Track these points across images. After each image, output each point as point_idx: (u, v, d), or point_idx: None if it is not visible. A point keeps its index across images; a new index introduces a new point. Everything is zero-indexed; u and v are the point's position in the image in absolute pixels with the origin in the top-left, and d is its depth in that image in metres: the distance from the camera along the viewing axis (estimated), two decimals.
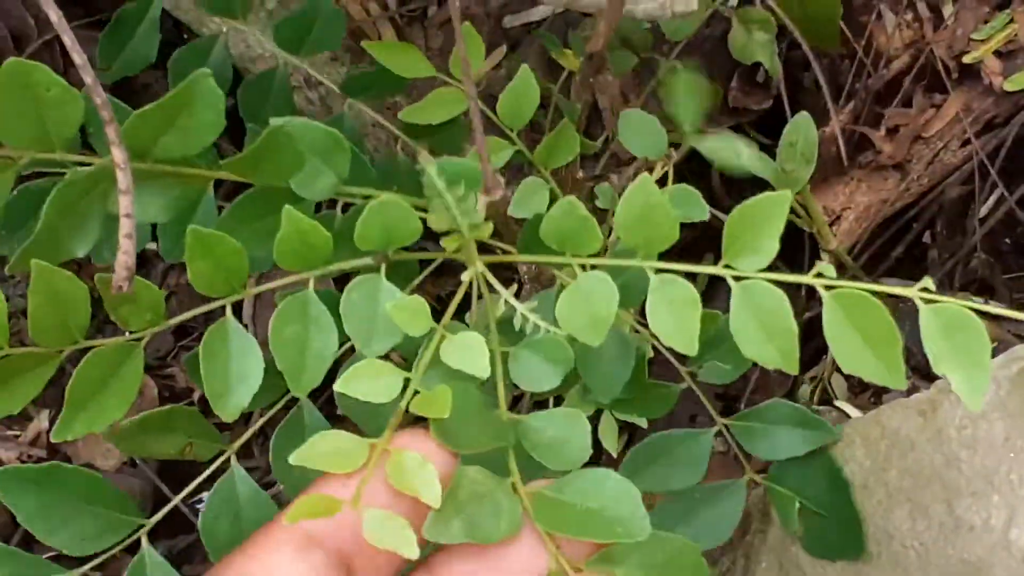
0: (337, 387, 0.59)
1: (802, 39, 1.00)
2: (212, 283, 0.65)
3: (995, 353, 0.84)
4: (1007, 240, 1.08)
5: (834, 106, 1.04)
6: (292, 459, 0.54)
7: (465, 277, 0.69)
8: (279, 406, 0.77)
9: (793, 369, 0.62)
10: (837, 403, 1.02)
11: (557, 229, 0.66)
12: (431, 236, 0.67)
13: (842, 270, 1.06)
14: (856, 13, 1.09)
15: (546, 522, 0.56)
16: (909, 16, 1.08)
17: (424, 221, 0.65)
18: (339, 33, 0.86)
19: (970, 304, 0.58)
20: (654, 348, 0.82)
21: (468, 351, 0.62)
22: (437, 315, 0.65)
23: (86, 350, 0.64)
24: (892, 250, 1.09)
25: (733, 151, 0.94)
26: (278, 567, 0.47)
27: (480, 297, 0.69)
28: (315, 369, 0.66)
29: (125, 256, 0.63)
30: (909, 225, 1.08)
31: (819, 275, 0.60)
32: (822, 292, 0.60)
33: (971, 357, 0.57)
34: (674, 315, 0.63)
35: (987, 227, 1.06)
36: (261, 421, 0.76)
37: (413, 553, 0.51)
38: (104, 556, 0.68)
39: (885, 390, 1.00)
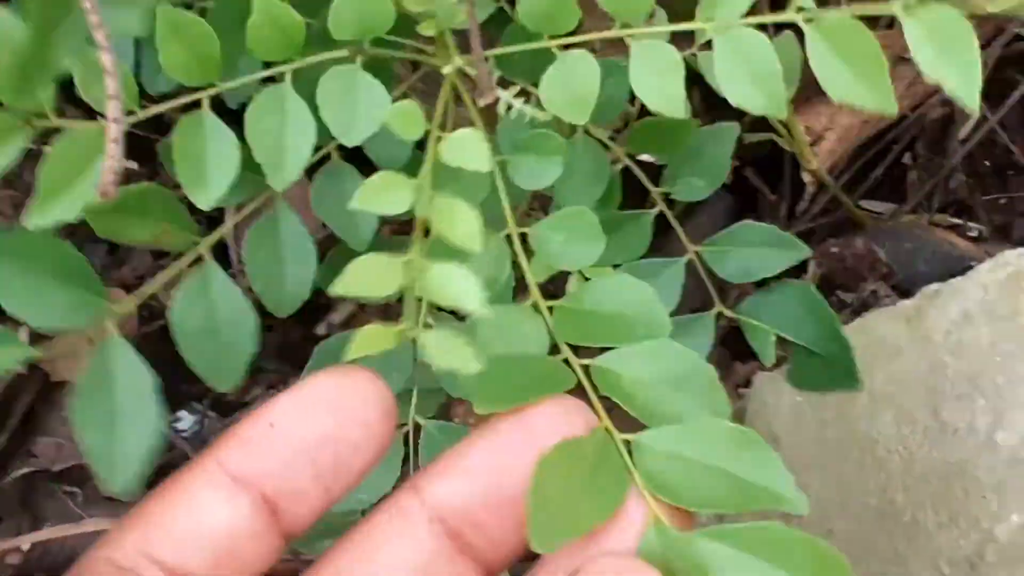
0: (356, 203, 0.58)
1: None
2: (184, 68, 0.64)
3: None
4: (986, 162, 1.08)
5: None
6: (337, 288, 0.53)
7: (446, 71, 0.69)
8: (253, 206, 0.75)
9: (781, 112, 0.61)
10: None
11: (533, 8, 0.65)
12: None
13: (823, 189, 1.06)
14: None
15: (569, 334, 0.57)
16: None
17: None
18: None
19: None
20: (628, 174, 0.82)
21: (467, 146, 0.61)
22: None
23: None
24: (872, 171, 1.08)
25: None
26: (203, 512, 0.44)
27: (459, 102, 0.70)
28: (294, 163, 0.65)
29: (111, 160, 0.62)
30: (890, 146, 1.08)
31: (800, 9, 0.60)
32: (804, 26, 0.59)
33: (960, 55, 0.57)
34: (658, 78, 0.62)
35: (967, 149, 1.06)
36: (238, 218, 0.73)
37: (476, 368, 0.51)
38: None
39: (864, 307, 1.00)
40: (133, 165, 1.08)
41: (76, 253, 0.63)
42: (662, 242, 0.84)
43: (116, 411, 0.63)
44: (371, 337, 0.52)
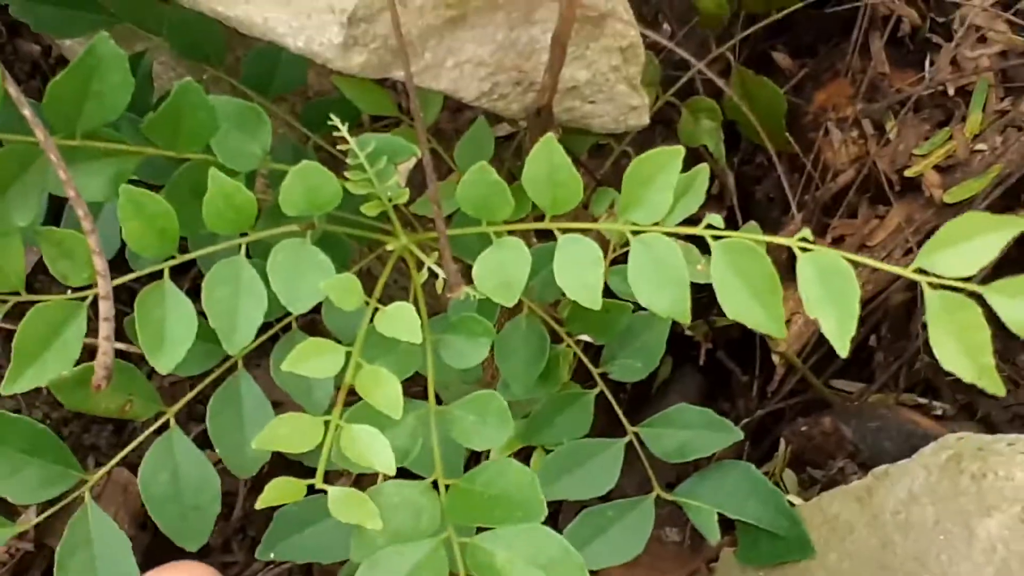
0: (284, 367, 0.64)
1: (751, 136, 1.07)
2: (144, 242, 0.69)
3: None
4: None
5: (784, 217, 1.11)
6: (255, 444, 0.59)
7: (390, 247, 0.75)
8: (218, 373, 0.80)
9: (684, 319, 0.66)
10: (788, 497, 1.06)
11: (471, 195, 0.70)
12: None
13: (792, 370, 1.12)
14: (805, 130, 1.16)
15: (456, 513, 0.62)
16: (855, 133, 1.14)
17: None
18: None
19: (846, 255, 0.63)
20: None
21: (401, 320, 0.67)
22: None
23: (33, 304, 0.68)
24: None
25: (695, 266, 1.00)
26: None
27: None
28: (245, 329, 0.70)
29: (104, 357, 0.68)
30: (856, 330, 1.14)
31: (709, 226, 0.65)
32: (711, 242, 0.64)
33: (842, 301, 0.62)
34: (579, 271, 0.68)
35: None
36: (200, 387, 0.78)
37: (378, 525, 0.56)
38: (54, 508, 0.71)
39: (832, 484, 1.04)
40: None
41: (45, 429, 0.69)
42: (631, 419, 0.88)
43: (97, 572, 0.68)
44: (281, 489, 0.57)
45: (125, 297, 0.78)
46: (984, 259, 0.62)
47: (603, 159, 1.09)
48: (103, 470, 0.73)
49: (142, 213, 0.68)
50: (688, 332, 1.13)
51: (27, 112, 0.65)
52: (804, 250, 0.63)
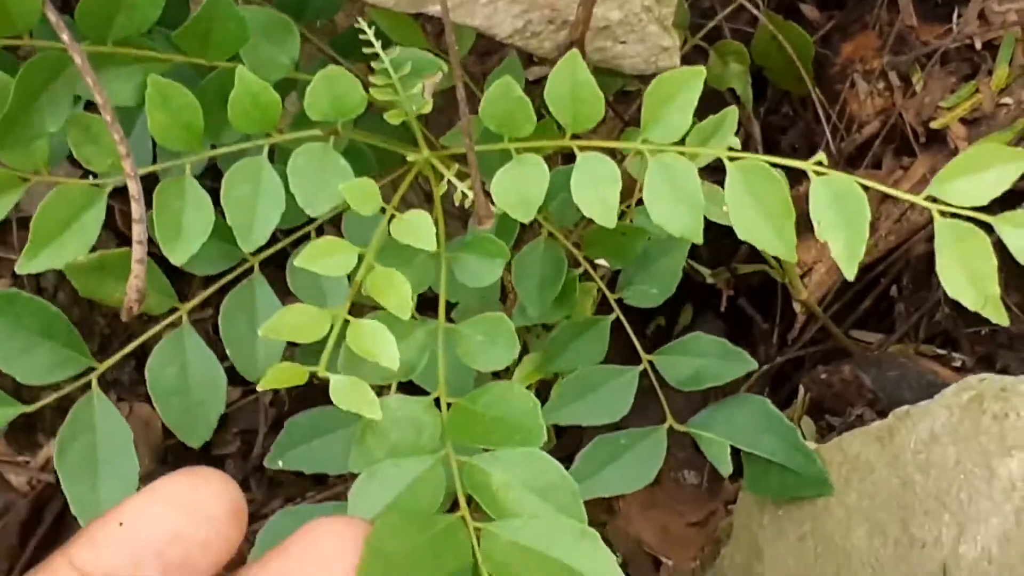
0: (296, 262, 0.65)
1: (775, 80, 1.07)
2: (169, 135, 0.70)
3: None
4: None
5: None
6: (261, 331, 0.60)
7: (411, 158, 0.75)
8: (232, 276, 0.80)
9: (697, 238, 0.66)
10: (806, 443, 1.07)
11: (495, 111, 0.71)
12: None
13: (813, 319, 1.12)
14: (831, 81, 1.16)
15: (457, 432, 0.62)
16: (881, 85, 1.14)
17: None
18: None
19: (860, 180, 0.63)
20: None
21: (417, 228, 0.67)
22: None
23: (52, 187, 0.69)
24: (861, 303, 1.14)
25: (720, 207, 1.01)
26: None
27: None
28: (262, 228, 0.71)
29: (136, 280, 0.68)
30: (877, 280, 1.14)
31: (730, 148, 0.66)
32: (726, 163, 0.65)
33: (853, 225, 0.62)
34: (596, 188, 0.68)
35: None
36: (216, 287, 0.79)
37: (376, 415, 0.57)
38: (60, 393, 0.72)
39: (851, 431, 1.05)
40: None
41: (59, 312, 0.70)
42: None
43: (98, 461, 0.68)
44: (283, 372, 0.57)
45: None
46: (996, 190, 0.62)
47: (630, 104, 1.09)
48: (112, 359, 0.73)
49: (169, 105, 0.69)
50: (710, 280, 1.13)
51: (51, 15, 0.65)
52: (819, 174, 0.64)
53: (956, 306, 1.12)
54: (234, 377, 1.15)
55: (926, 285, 1.13)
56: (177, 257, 0.69)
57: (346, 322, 0.64)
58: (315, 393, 1.05)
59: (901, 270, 1.13)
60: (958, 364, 1.11)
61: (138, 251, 0.69)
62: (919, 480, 0.85)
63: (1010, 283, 1.12)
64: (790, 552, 0.92)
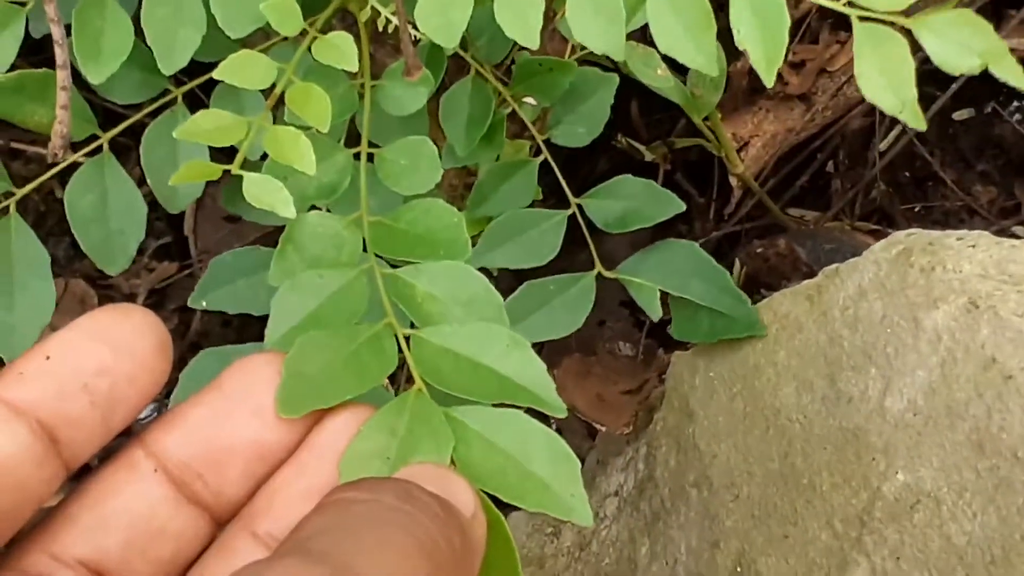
0: (216, 74, 0.64)
1: None
2: None
3: None
4: (906, 173, 1.14)
5: None
6: (176, 133, 0.59)
7: None
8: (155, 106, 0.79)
9: (618, 55, 0.65)
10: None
11: None
12: None
13: (750, 194, 1.12)
14: None
15: (379, 246, 0.62)
16: None
17: None
18: None
19: None
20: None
21: (339, 49, 0.67)
22: None
23: None
24: (797, 179, 1.15)
25: (655, 70, 1.00)
26: None
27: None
28: (182, 51, 0.70)
29: (60, 126, 0.68)
30: (814, 155, 1.14)
31: None
32: None
33: (771, 32, 0.62)
34: (517, 8, 0.66)
35: (887, 159, 1.13)
36: (138, 116, 0.78)
37: (290, 213, 0.57)
38: None
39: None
40: None
41: None
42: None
43: (14, 284, 0.68)
44: (196, 168, 0.57)
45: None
46: None
47: None
48: (30, 185, 0.73)
49: None
50: (648, 157, 1.13)
51: None
52: None
53: (891, 182, 1.13)
54: (169, 252, 1.15)
55: (862, 161, 1.13)
56: (96, 75, 0.68)
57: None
58: None
59: (838, 146, 1.14)
60: None
61: (62, 97, 0.68)
62: (846, 336, 0.86)
63: (946, 161, 1.13)
64: (721, 412, 0.93)
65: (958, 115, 1.14)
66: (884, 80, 0.60)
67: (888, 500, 0.81)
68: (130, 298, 1.19)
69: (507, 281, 0.88)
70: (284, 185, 0.60)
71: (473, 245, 0.67)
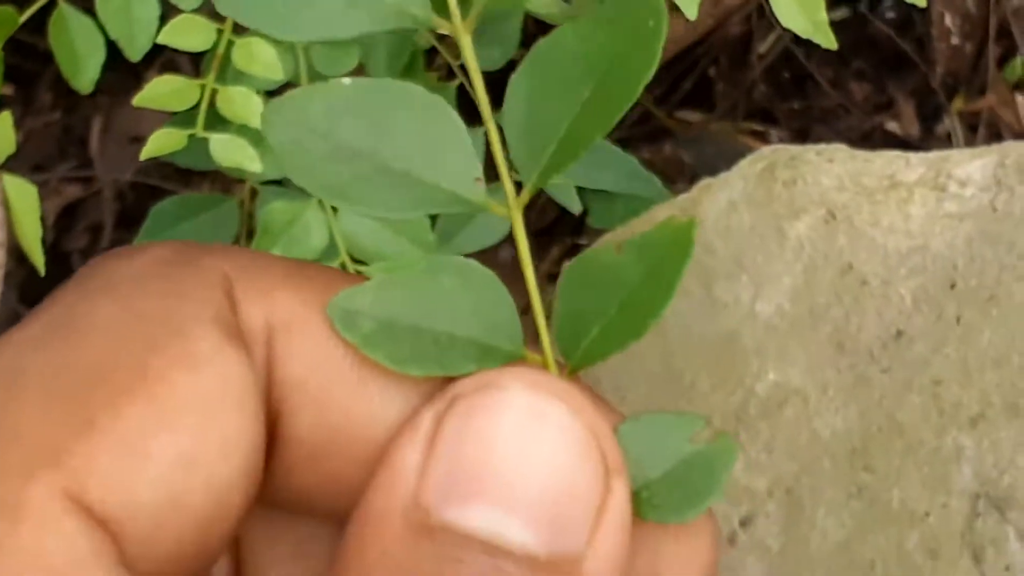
0: (160, 39, 0.68)
1: None
2: None
3: None
4: (786, 74, 1.19)
5: None
6: (135, 101, 0.64)
7: None
8: None
9: None
10: None
11: None
12: None
13: (637, 102, 1.17)
14: None
15: None
16: None
17: None
18: None
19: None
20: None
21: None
22: None
23: None
24: (681, 84, 1.20)
25: None
26: (44, 544, 0.28)
27: None
28: (143, 35, 0.73)
29: None
30: (697, 61, 1.19)
31: None
32: None
33: None
34: None
35: (767, 63, 1.18)
36: None
37: (257, 167, 0.61)
38: None
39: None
40: None
41: None
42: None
43: None
44: (163, 138, 0.62)
45: None
46: None
47: None
48: None
49: None
50: None
51: None
52: None
53: (772, 83, 1.18)
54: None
55: (743, 65, 1.18)
56: (86, 87, 0.71)
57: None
58: (158, 192, 1.09)
59: (719, 52, 1.19)
60: (775, 140, 1.17)
61: None
62: (720, 246, 0.92)
63: (823, 61, 1.18)
64: None
65: (834, 15, 1.19)
66: (796, 5, 0.65)
67: (760, 398, 0.88)
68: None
69: None
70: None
71: None
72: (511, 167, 0.33)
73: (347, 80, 0.32)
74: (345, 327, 0.31)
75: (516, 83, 0.34)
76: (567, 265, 0.34)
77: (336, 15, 0.32)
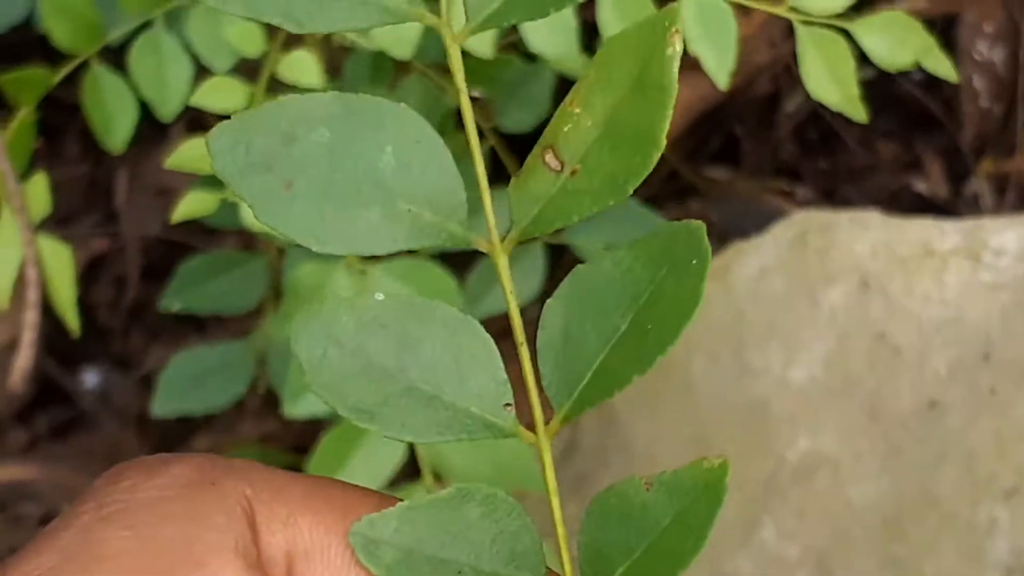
0: (192, 100, 0.69)
1: None
2: (75, 40, 0.73)
3: None
4: (813, 133, 1.19)
5: None
6: (167, 164, 0.64)
7: None
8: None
9: (574, 63, 0.72)
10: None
11: None
12: None
13: (664, 158, 1.17)
14: None
15: None
16: None
17: None
18: None
19: None
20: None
21: (302, 65, 0.72)
22: None
23: None
24: (709, 142, 1.20)
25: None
26: None
27: None
28: (176, 96, 0.74)
29: (24, 361, 0.71)
30: (724, 120, 1.19)
31: None
32: None
33: (720, 38, 0.67)
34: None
35: (794, 122, 1.18)
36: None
37: None
38: None
39: None
40: None
41: None
42: None
43: None
44: (194, 202, 0.62)
45: None
46: None
47: None
48: None
49: (65, 13, 0.72)
50: None
51: None
52: None
53: (799, 142, 1.18)
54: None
55: (770, 124, 1.18)
56: (118, 147, 0.72)
57: None
58: (183, 248, 1.09)
59: (746, 110, 1.18)
60: (802, 199, 1.17)
61: (28, 337, 0.72)
62: (751, 311, 0.92)
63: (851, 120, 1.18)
64: (635, 386, 0.99)
65: (862, 75, 1.19)
66: (828, 78, 0.66)
67: (792, 465, 0.87)
68: None
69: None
70: None
71: None
72: (540, 389, 0.32)
73: (379, 295, 0.32)
74: (367, 557, 0.31)
75: (552, 308, 0.33)
76: (594, 495, 0.34)
77: (376, 229, 0.32)
